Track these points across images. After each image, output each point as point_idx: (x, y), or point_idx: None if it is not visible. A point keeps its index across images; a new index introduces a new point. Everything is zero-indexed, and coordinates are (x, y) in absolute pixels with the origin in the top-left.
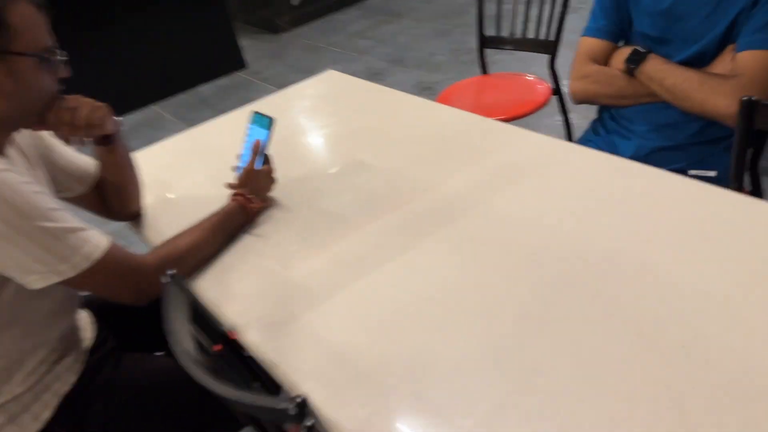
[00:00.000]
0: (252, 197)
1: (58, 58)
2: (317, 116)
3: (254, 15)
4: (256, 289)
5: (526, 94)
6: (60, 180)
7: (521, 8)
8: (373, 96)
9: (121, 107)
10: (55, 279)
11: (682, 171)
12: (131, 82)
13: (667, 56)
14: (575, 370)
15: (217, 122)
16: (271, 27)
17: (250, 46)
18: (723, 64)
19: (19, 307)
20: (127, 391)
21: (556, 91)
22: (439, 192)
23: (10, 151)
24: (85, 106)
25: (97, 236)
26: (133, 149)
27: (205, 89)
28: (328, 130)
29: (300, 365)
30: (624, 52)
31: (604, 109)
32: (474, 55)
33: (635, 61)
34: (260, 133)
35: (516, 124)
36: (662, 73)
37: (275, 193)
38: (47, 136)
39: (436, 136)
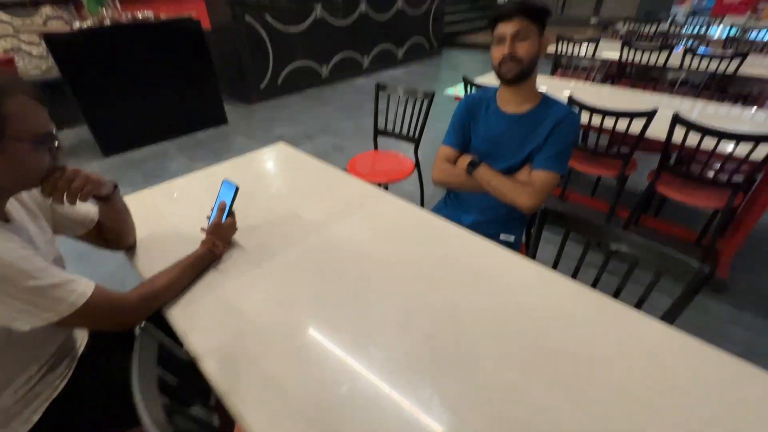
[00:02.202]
0: (218, 243)
1: (52, 143)
2: (268, 177)
3: (235, 90)
4: (216, 321)
5: (399, 166)
6: (64, 224)
7: (401, 112)
8: (305, 164)
9: (142, 141)
10: (40, 323)
11: (496, 235)
12: (152, 125)
13: (492, 165)
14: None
15: (204, 173)
16: (245, 99)
17: (231, 110)
18: (524, 174)
19: (12, 335)
20: (114, 390)
21: (417, 166)
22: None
23: (11, 207)
24: (80, 178)
25: (83, 285)
26: (147, 175)
27: (200, 134)
28: (274, 190)
29: (246, 396)
30: (466, 158)
31: (451, 190)
32: (368, 130)
33: (472, 165)
34: (227, 195)
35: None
36: (488, 177)
37: (237, 236)
38: None
39: (343, 199)
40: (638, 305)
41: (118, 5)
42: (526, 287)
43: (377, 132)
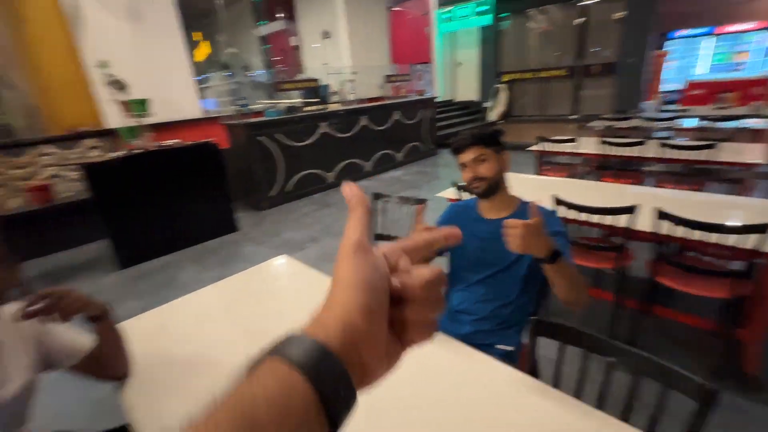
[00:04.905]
0: None
1: None
2: (268, 292)
3: (248, 199)
4: None
5: None
6: (53, 355)
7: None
8: (305, 276)
9: (157, 252)
10: None
11: (492, 345)
12: (167, 237)
13: (482, 269)
14: None
15: (207, 291)
16: (256, 207)
17: (242, 217)
18: None
19: None
20: None
21: None
22: None
23: None
24: (68, 297)
25: None
26: (158, 285)
27: (212, 243)
28: (272, 305)
29: None
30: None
31: (446, 301)
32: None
33: (558, 254)
34: None
35: None
36: (571, 268)
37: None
38: (42, 325)
39: None
40: (652, 427)
41: (150, 135)
42: (526, 408)
43: (376, 237)
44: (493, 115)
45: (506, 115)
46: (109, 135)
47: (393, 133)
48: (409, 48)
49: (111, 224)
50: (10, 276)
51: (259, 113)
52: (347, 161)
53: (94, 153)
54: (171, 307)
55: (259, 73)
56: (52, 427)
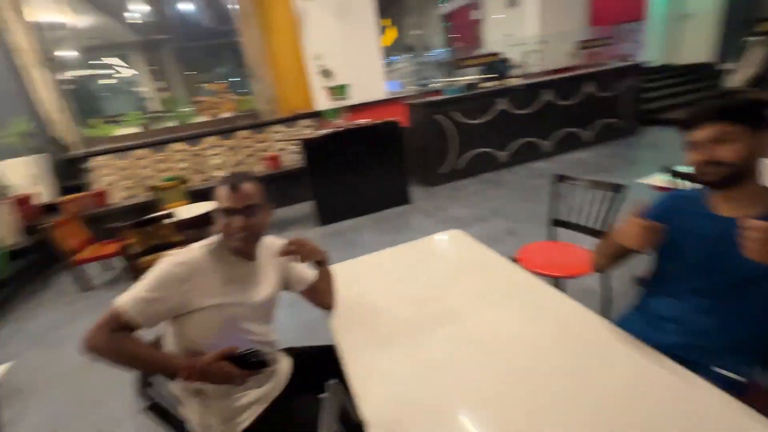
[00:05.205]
0: (194, 375)
1: (233, 214)
2: (437, 261)
3: (421, 175)
4: (385, 393)
5: (577, 260)
6: (289, 282)
7: (581, 203)
8: (474, 251)
9: (346, 215)
10: None
11: (704, 366)
12: (354, 203)
13: (715, 278)
14: None
15: (386, 252)
16: (428, 183)
17: (415, 191)
18: None
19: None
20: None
21: None
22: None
23: (265, 259)
24: (309, 244)
25: (122, 300)
26: (346, 243)
27: (388, 212)
28: (441, 274)
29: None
30: None
31: (646, 304)
32: (544, 215)
33: None
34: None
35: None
36: None
37: (404, 312)
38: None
39: (508, 292)
40: None
41: (347, 115)
42: None
43: (554, 222)
44: (736, 80)
45: (759, 80)
46: (317, 116)
47: (582, 108)
48: (614, 4)
49: (317, 188)
50: (269, 218)
51: (438, 92)
52: (524, 140)
53: (307, 131)
54: (359, 262)
55: (440, 52)
56: (272, 336)
